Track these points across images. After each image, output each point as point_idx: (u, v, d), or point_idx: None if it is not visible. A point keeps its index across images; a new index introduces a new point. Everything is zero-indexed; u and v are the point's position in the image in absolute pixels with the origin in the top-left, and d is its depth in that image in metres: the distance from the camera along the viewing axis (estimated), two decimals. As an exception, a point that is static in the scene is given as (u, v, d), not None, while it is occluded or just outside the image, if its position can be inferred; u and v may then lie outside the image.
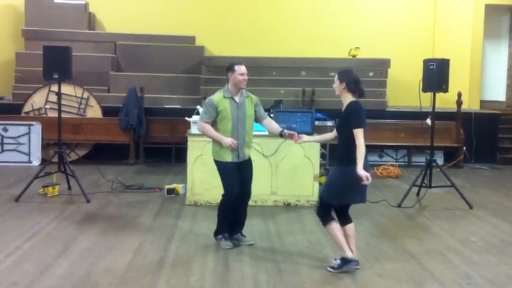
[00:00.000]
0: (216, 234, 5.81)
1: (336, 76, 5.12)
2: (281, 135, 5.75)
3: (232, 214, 5.76)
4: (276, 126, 5.87)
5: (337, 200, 5.02)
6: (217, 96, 5.58)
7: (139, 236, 6.05)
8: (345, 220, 5.15)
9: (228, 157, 5.57)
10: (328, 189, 5.05)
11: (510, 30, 13.76)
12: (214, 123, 5.61)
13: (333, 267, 5.08)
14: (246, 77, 5.58)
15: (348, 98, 5.03)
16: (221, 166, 5.62)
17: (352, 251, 5.07)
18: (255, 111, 5.75)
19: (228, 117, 5.53)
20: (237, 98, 5.59)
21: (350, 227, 5.16)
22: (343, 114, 5.00)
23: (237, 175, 5.63)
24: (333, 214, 5.10)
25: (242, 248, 5.71)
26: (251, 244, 5.80)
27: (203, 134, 5.72)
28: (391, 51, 12.52)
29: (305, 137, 5.66)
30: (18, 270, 4.96)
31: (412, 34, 13.36)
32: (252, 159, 7.49)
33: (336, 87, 5.10)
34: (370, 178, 4.75)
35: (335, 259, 5.13)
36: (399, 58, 12.35)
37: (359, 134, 4.78)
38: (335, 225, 5.04)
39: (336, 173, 5.06)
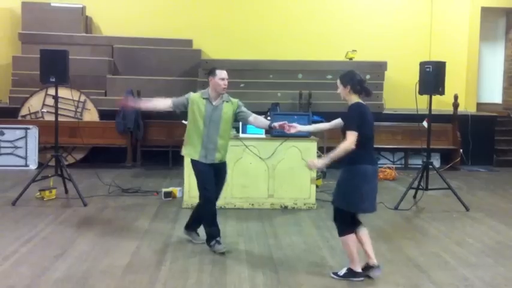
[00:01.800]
0: (208, 241, 5.75)
1: (338, 81, 5.01)
2: (270, 128, 5.74)
3: (215, 215, 5.70)
4: (263, 121, 5.91)
5: (351, 206, 4.85)
6: (195, 94, 5.70)
7: (137, 239, 6.05)
8: (355, 224, 4.99)
9: (195, 155, 5.59)
10: (343, 195, 4.85)
11: (506, 33, 13.81)
12: (189, 119, 5.67)
13: (336, 274, 5.00)
14: (226, 82, 5.59)
15: (353, 100, 4.93)
16: (192, 164, 5.68)
17: (370, 257, 4.94)
18: (238, 113, 5.74)
19: (200, 117, 5.56)
20: (214, 102, 5.62)
21: (364, 232, 5.01)
22: (345, 115, 4.92)
23: (210, 177, 5.60)
24: (351, 224, 4.93)
25: (239, 251, 5.72)
26: (203, 243, 5.78)
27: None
28: (387, 53, 12.54)
29: (298, 126, 5.59)
30: (15, 273, 4.96)
31: (408, 37, 13.39)
32: (249, 162, 7.55)
33: (341, 92, 4.99)
34: (316, 166, 4.95)
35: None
36: (396, 61, 12.37)
37: (350, 136, 4.71)
38: (351, 238, 4.90)
39: (340, 176, 4.92)
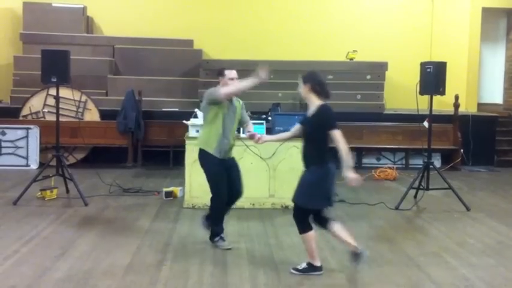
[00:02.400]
0: (212, 237, 5.81)
1: (300, 79, 5.07)
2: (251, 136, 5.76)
3: (224, 213, 5.78)
4: (248, 127, 5.96)
5: (315, 203, 4.96)
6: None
7: (138, 239, 6.06)
8: (326, 222, 5.07)
9: (212, 149, 5.59)
10: (304, 193, 4.95)
11: (507, 33, 13.81)
12: (208, 115, 5.66)
13: (296, 269, 5.09)
14: (235, 82, 5.66)
15: (314, 100, 4.99)
16: (205, 157, 5.64)
17: (352, 245, 5.01)
18: (241, 114, 5.89)
19: (222, 115, 5.61)
20: (228, 99, 5.68)
21: (337, 226, 5.08)
22: (314, 118, 4.95)
23: (223, 173, 5.65)
24: (310, 222, 5.05)
25: (240, 251, 5.72)
26: (229, 249, 5.75)
27: (237, 91, 5.57)
28: (388, 54, 12.54)
29: (265, 137, 5.72)
30: (17, 273, 4.96)
31: (409, 37, 13.39)
32: (250, 162, 7.55)
33: (302, 90, 5.05)
34: (358, 180, 4.82)
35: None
36: (396, 61, 12.37)
37: (339, 136, 4.80)
38: (312, 234, 5.02)
39: (308, 176, 4.98)
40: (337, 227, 5.08)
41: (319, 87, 4.97)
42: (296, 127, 5.27)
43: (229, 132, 5.69)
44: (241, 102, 5.93)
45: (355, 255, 5.00)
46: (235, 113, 5.76)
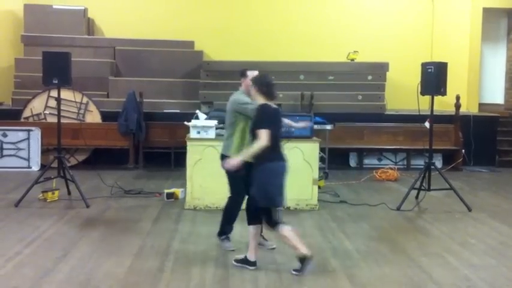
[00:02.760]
0: (220, 234, 5.86)
1: (251, 81, 5.38)
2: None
3: (236, 216, 5.78)
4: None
5: (274, 201, 5.06)
6: (246, 98, 5.66)
7: (139, 241, 6.06)
8: (258, 220, 5.22)
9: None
10: (264, 193, 5.04)
11: (508, 33, 13.80)
12: (239, 120, 5.64)
13: (236, 261, 5.28)
14: None
15: (259, 101, 5.20)
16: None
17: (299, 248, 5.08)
18: None
19: (249, 117, 5.56)
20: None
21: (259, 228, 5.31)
22: (255, 117, 5.19)
23: (243, 174, 5.59)
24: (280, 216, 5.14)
25: (241, 252, 5.69)
26: (273, 248, 5.79)
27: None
28: (389, 54, 12.54)
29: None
30: (19, 275, 4.97)
31: (410, 38, 13.39)
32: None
33: (251, 90, 5.33)
34: (233, 165, 5.06)
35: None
36: (397, 61, 12.36)
37: (262, 135, 4.95)
38: (288, 229, 5.13)
39: (259, 174, 5.08)
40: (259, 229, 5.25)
41: (266, 88, 5.18)
42: None
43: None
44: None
45: (303, 261, 5.03)
46: None
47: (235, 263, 5.27)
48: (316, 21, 13.30)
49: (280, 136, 5.27)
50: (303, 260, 5.04)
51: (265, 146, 4.93)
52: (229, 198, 5.79)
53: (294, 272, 5.09)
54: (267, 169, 5.05)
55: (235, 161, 5.13)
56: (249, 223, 5.29)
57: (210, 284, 4.86)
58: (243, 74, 5.84)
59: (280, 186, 5.11)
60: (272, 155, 5.07)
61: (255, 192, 5.12)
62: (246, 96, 5.69)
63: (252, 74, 5.72)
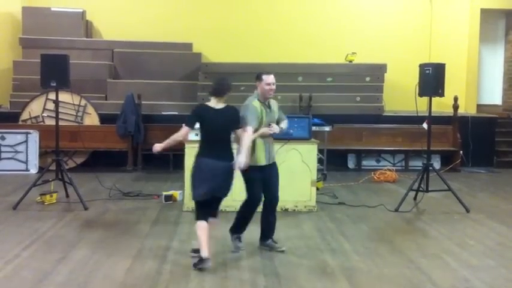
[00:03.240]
0: (232, 230, 5.85)
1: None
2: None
3: (251, 217, 5.78)
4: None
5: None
6: (255, 102, 5.61)
7: (138, 243, 6.06)
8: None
9: (263, 160, 5.62)
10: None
11: (506, 34, 13.83)
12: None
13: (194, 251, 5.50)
14: (272, 87, 5.67)
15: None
16: (252, 170, 5.53)
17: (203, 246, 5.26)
18: (278, 115, 5.88)
19: (263, 122, 5.59)
20: (266, 103, 5.70)
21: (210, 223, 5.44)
22: None
23: (260, 179, 5.64)
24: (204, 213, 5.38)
25: (240, 254, 5.72)
26: (283, 251, 5.79)
27: (244, 144, 5.38)
28: (387, 55, 12.56)
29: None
30: (17, 278, 4.97)
31: (408, 39, 13.41)
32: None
33: None
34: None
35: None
36: (396, 63, 12.38)
37: (182, 129, 5.51)
38: (201, 225, 5.33)
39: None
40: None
41: (212, 88, 5.55)
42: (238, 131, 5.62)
43: (268, 139, 5.70)
44: (276, 103, 5.90)
45: (200, 261, 5.20)
46: (274, 117, 5.76)
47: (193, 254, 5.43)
48: (315, 23, 13.31)
49: (213, 134, 5.38)
50: (200, 258, 5.20)
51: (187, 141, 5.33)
52: (247, 200, 5.75)
53: (193, 255, 5.39)
54: (194, 164, 5.44)
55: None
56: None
57: (209, 285, 4.85)
58: (258, 78, 5.73)
59: (200, 181, 5.30)
60: (201, 151, 5.43)
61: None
62: (257, 101, 5.61)
63: (268, 78, 5.64)
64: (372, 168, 11.06)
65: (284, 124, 5.91)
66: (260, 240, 5.93)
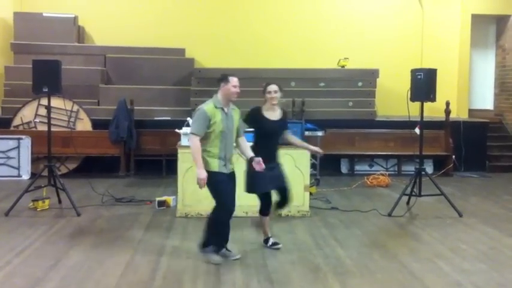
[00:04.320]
0: (205, 245, 5.69)
1: (278, 87, 6.10)
2: (250, 160, 5.63)
3: (227, 228, 5.66)
4: (248, 150, 5.74)
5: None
6: (209, 107, 5.48)
7: (131, 249, 6.03)
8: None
9: (216, 167, 5.48)
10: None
11: (497, 40, 13.92)
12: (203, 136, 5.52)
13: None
14: (238, 90, 5.56)
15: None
16: (212, 176, 5.48)
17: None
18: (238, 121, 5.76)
19: (219, 128, 5.46)
20: (226, 109, 5.57)
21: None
22: (284, 120, 6.20)
23: (229, 187, 5.58)
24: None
25: (233, 260, 5.71)
26: (238, 258, 5.74)
27: (192, 153, 5.45)
28: (379, 61, 12.62)
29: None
30: (9, 285, 4.94)
31: (400, 44, 13.47)
32: (243, 170, 7.53)
33: (278, 97, 6.17)
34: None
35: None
36: (388, 68, 12.45)
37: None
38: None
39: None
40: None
41: None
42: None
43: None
44: (238, 109, 5.77)
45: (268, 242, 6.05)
46: (232, 125, 5.61)
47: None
48: (307, 28, 13.35)
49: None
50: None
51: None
52: (220, 213, 5.57)
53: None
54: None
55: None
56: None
57: (202, 291, 4.85)
58: (224, 79, 5.55)
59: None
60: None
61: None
62: (217, 106, 5.48)
63: (233, 80, 5.52)
64: (365, 173, 11.08)
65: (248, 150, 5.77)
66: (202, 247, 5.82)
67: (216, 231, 5.63)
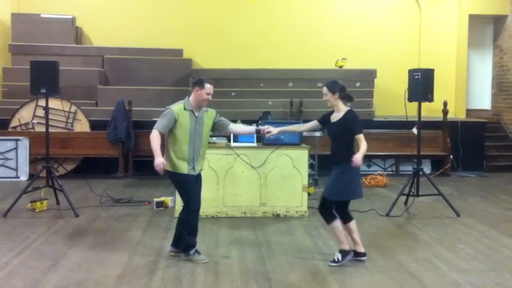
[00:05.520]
0: (186, 250, 5.68)
1: (326, 89, 5.83)
2: (258, 132, 6.05)
3: (197, 225, 5.74)
4: (247, 128, 6.10)
5: (339, 196, 5.56)
6: (177, 107, 5.54)
7: (129, 250, 6.04)
8: (345, 218, 5.68)
9: (185, 169, 5.56)
10: (330, 187, 5.57)
11: (494, 40, 13.95)
12: (171, 133, 5.59)
13: (334, 261, 5.54)
14: (210, 98, 5.59)
15: (340, 106, 5.78)
16: (178, 178, 5.62)
17: (358, 244, 5.68)
18: (217, 122, 5.81)
19: (186, 130, 5.52)
20: (196, 113, 5.60)
21: (353, 223, 5.72)
22: (344, 122, 5.71)
23: (195, 187, 5.67)
24: (334, 212, 5.61)
25: (232, 260, 5.72)
26: (206, 262, 5.66)
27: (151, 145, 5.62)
28: (377, 61, 12.63)
29: (275, 130, 6.03)
30: (8, 286, 4.93)
31: (398, 44, 13.48)
32: (241, 170, 7.58)
33: (330, 99, 5.81)
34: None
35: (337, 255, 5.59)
36: (386, 68, 12.46)
37: (363, 137, 5.61)
38: (337, 223, 5.58)
39: (337, 172, 5.57)
40: (352, 224, 5.74)
41: (344, 93, 5.79)
42: (313, 123, 6.12)
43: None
44: (213, 112, 5.80)
45: (344, 253, 5.59)
46: (201, 129, 5.63)
47: (335, 264, 5.53)
48: (305, 29, 13.35)
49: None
50: (343, 252, 5.59)
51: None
52: (189, 213, 5.66)
53: (331, 264, 5.52)
54: (349, 168, 5.50)
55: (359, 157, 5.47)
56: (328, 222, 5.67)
57: (201, 292, 4.85)
58: (199, 83, 5.54)
59: (354, 185, 5.67)
60: (351, 156, 5.52)
61: (327, 186, 5.68)
62: (186, 108, 5.52)
63: (209, 87, 5.51)
64: (363, 173, 11.08)
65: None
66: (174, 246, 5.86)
67: (188, 231, 5.67)
